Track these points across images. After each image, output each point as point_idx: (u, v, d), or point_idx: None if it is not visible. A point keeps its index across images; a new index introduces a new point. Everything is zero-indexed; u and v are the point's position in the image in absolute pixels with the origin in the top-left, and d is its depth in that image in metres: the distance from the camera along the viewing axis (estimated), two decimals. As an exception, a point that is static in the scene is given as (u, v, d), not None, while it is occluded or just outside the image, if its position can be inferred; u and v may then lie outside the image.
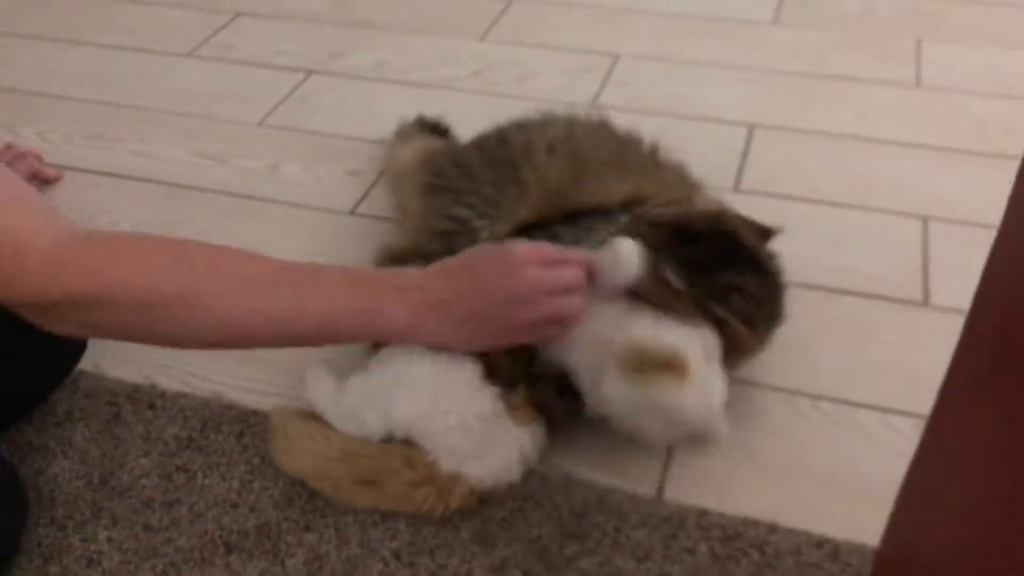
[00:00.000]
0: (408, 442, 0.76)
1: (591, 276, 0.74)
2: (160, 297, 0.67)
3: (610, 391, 0.74)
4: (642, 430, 0.76)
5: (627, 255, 0.73)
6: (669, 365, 0.71)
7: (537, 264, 0.72)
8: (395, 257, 0.90)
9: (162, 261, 0.68)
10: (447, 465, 0.74)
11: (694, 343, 0.73)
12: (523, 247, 0.72)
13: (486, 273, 0.72)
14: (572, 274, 0.73)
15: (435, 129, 1.18)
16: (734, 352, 0.78)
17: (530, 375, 0.78)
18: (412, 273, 0.74)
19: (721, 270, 0.75)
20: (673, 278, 0.73)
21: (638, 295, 0.74)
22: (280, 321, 0.70)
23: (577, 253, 0.75)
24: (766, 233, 0.82)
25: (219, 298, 0.68)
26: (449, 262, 0.74)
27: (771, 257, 0.81)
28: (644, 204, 0.81)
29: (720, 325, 0.74)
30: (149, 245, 0.70)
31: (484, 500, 0.77)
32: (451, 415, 0.75)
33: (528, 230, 0.85)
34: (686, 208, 0.79)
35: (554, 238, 0.83)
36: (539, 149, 0.91)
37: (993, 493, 0.44)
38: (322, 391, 0.79)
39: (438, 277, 0.73)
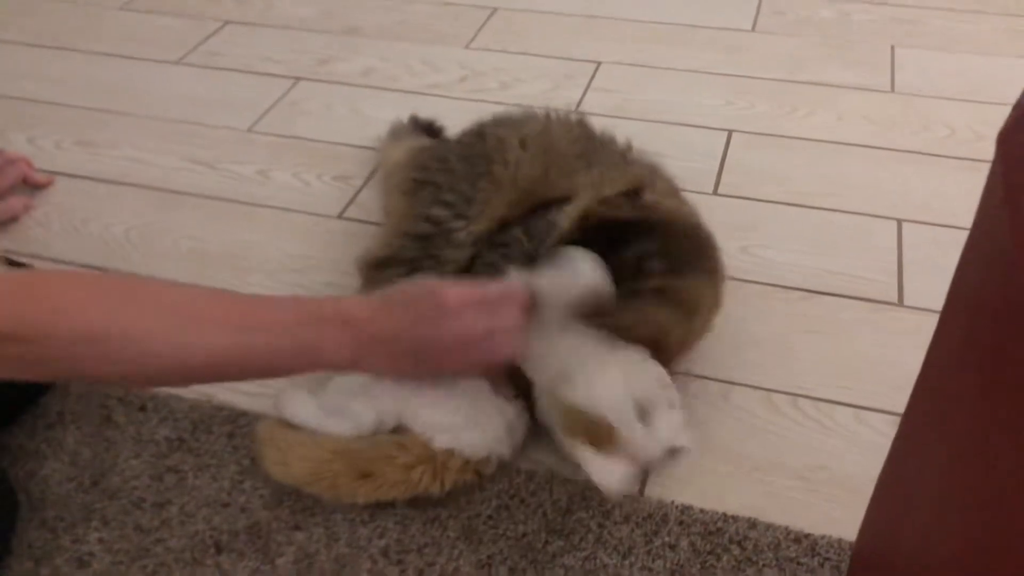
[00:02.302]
0: (397, 431, 0.77)
1: (535, 303, 0.74)
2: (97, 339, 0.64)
3: (553, 430, 0.76)
4: None
5: (580, 268, 0.74)
6: (598, 435, 0.71)
7: (471, 307, 0.72)
8: (376, 264, 0.91)
9: (106, 302, 0.65)
10: (440, 442, 0.75)
11: (628, 405, 0.72)
12: (456, 291, 0.72)
13: (422, 313, 0.72)
14: (506, 315, 0.73)
15: (428, 129, 1.18)
16: (693, 311, 0.79)
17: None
18: (359, 306, 0.73)
19: (621, 250, 0.75)
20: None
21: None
22: (221, 363, 0.69)
23: (516, 286, 0.75)
24: (636, 192, 0.80)
25: (157, 339, 0.65)
26: (392, 295, 0.74)
27: (657, 207, 0.81)
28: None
29: (654, 293, 0.75)
30: (82, 288, 0.66)
31: (470, 499, 0.78)
32: (439, 389, 0.76)
33: (503, 228, 0.87)
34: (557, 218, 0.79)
35: (528, 234, 0.85)
36: (512, 144, 0.92)
37: (965, 488, 0.45)
38: (302, 403, 0.79)
39: (382, 311, 0.73)
